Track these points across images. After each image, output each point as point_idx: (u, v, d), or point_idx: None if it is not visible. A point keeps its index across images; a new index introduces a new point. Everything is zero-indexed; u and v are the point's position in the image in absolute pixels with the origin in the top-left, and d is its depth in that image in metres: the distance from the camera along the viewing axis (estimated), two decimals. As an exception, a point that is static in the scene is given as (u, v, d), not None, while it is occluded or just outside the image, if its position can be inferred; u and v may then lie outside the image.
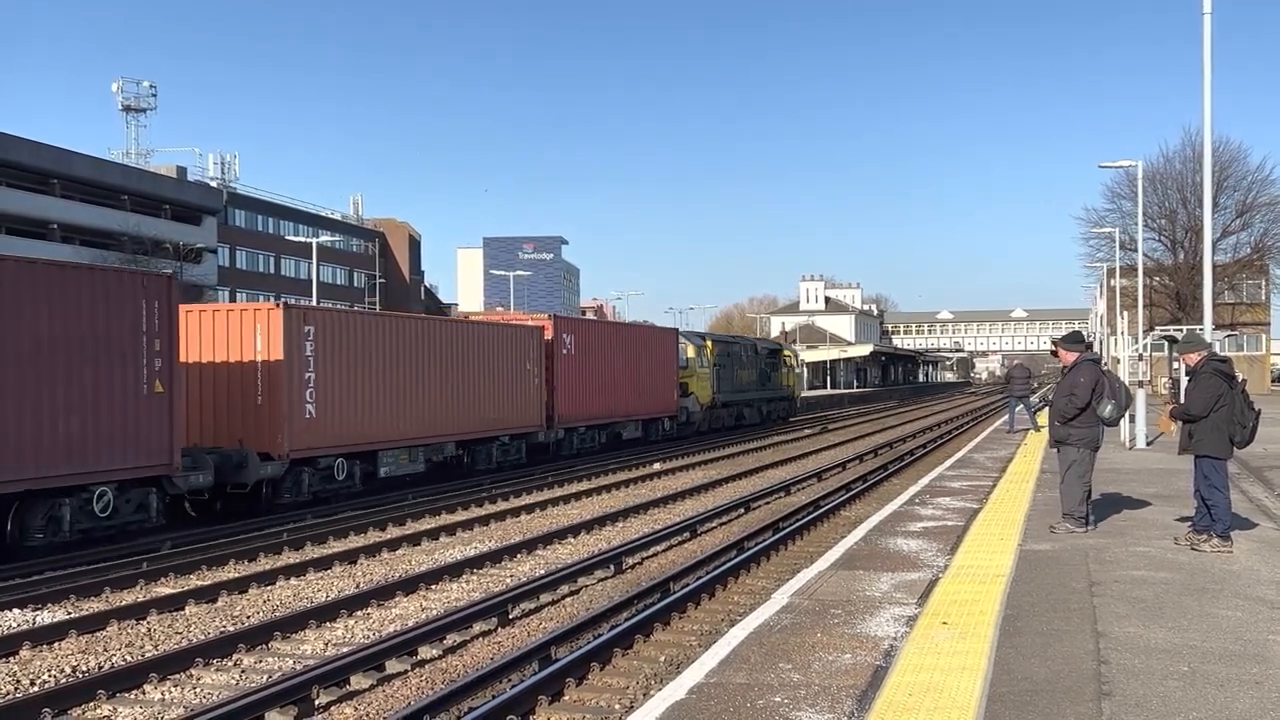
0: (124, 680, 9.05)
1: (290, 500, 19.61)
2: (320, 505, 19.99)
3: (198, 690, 9.07)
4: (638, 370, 33.98)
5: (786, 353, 52.91)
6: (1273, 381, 76.00)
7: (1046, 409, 12.61)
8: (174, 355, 16.40)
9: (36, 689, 9.00)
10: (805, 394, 66.87)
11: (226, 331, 19.16)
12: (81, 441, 14.89)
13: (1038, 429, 29.57)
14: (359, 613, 11.71)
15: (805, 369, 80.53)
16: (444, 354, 23.88)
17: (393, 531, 17.45)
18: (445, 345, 24.04)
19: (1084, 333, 13.92)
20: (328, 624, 11.23)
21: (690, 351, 39.36)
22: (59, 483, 14.69)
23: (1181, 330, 30.58)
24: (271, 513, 18.92)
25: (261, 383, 18.94)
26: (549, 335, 28.78)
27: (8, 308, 14.00)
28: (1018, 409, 32.49)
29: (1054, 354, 12.11)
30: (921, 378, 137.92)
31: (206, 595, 12.53)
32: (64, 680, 9.26)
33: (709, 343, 42.02)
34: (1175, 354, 11.87)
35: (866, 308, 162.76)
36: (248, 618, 11.65)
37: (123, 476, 15.65)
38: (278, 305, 19.37)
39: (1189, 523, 11.18)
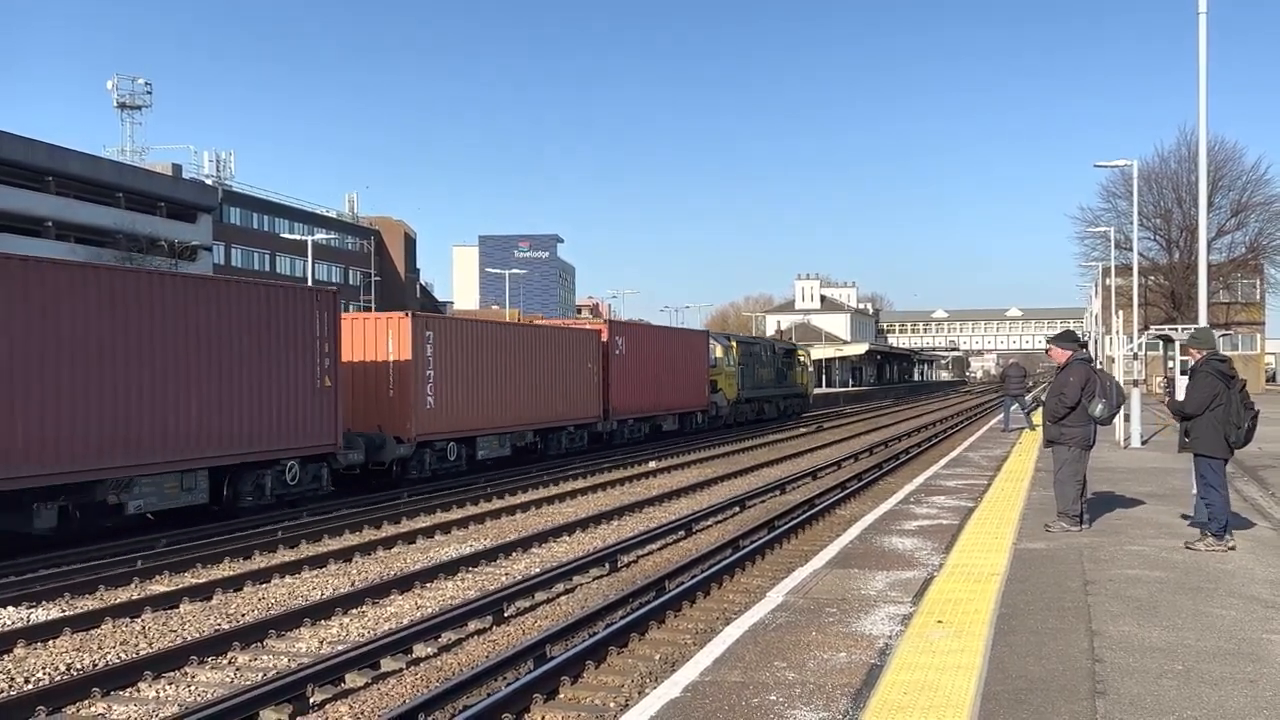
0: (118, 678, 9.04)
1: (416, 476, 23.12)
2: (437, 481, 23.50)
3: (192, 688, 9.06)
4: (675, 369, 37.54)
5: (800, 353, 56.83)
6: (1267, 381, 76.11)
7: (1039, 408, 12.61)
8: (337, 356, 19.89)
9: (31, 687, 8.99)
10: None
11: (364, 335, 22.63)
12: (278, 425, 18.46)
13: (1033, 428, 29.59)
14: (354, 611, 11.70)
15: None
16: (526, 355, 27.53)
17: (388, 530, 17.44)
18: (527, 348, 27.74)
19: (1078, 332, 13.93)
20: (323, 622, 11.22)
21: (718, 351, 42.66)
22: (262, 457, 18.32)
23: (1177, 330, 30.62)
24: (400, 486, 22.44)
25: (393, 378, 22.56)
26: (605, 338, 32.43)
27: (236, 319, 17.57)
28: (1013, 408, 32.51)
29: (1048, 353, 12.14)
30: (917, 376, 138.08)
31: (201, 593, 12.52)
32: (58, 678, 9.26)
33: (734, 343, 45.35)
34: (1186, 346, 11.89)
35: (862, 306, 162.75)
36: (242, 616, 11.63)
37: (304, 453, 19.28)
38: (407, 314, 23.22)
39: (1190, 520, 11.20)
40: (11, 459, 13.92)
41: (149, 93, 78.99)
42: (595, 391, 31.42)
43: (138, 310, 15.85)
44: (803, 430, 43.75)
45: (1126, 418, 23.53)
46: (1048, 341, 12.15)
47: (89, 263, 15.94)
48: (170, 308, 16.42)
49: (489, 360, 25.76)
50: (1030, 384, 42.84)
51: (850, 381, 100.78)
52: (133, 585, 13.24)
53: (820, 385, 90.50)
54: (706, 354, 41.12)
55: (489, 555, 14.67)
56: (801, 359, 56.08)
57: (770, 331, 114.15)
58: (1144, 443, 23.98)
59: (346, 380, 20.84)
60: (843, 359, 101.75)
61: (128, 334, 15.67)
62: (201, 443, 16.87)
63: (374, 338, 22.69)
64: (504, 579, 13.36)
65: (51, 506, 14.90)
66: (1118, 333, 40.66)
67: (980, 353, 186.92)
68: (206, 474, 17.26)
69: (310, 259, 54.11)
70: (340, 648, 9.98)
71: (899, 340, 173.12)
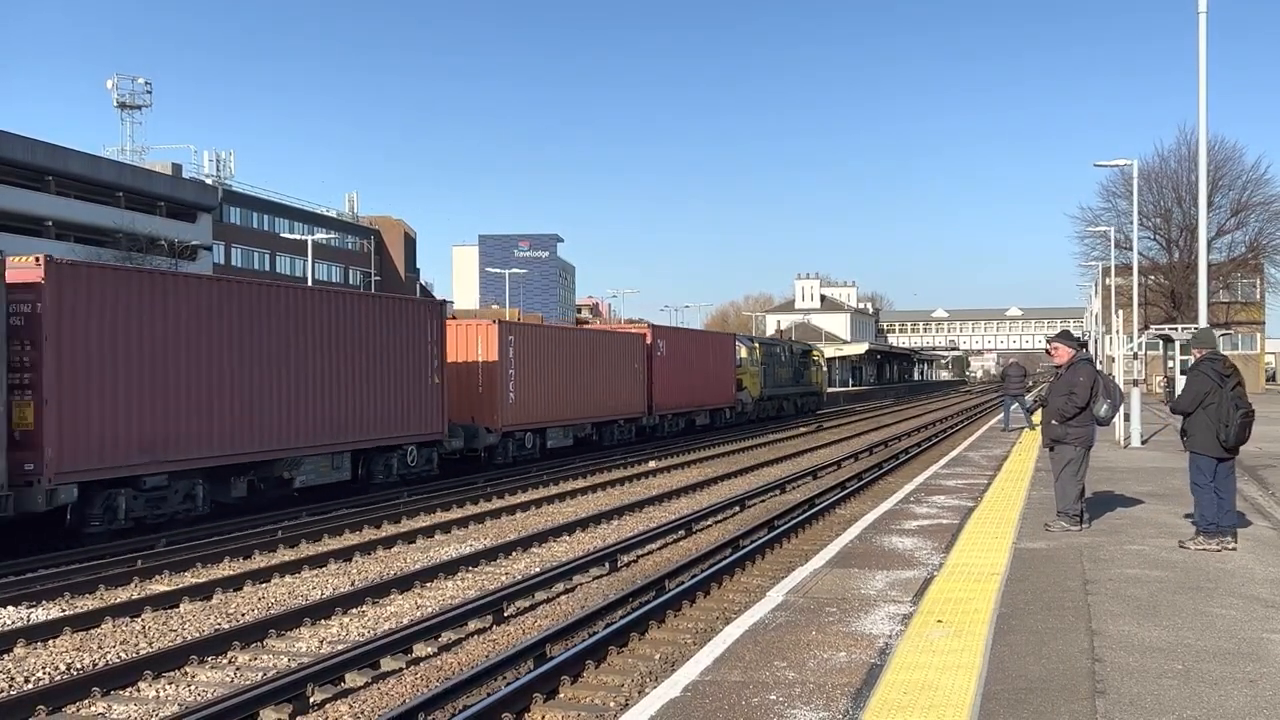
0: (118, 678, 9.04)
1: (501, 461, 26.88)
2: (517, 466, 27.13)
3: (192, 688, 9.06)
4: (707, 368, 41.22)
5: (815, 353, 60.75)
6: (1267, 380, 76.08)
7: (1040, 408, 12.52)
8: (444, 357, 23.53)
9: (31, 686, 8.99)
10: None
11: (455, 340, 25.55)
12: (402, 415, 21.99)
13: (1033, 428, 29.57)
14: (354, 610, 11.70)
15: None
16: (585, 357, 31.19)
17: (388, 529, 17.44)
18: (586, 350, 31.48)
19: (1075, 332, 13.96)
20: (323, 621, 11.22)
21: (743, 352, 46.30)
22: (389, 442, 21.84)
23: (1177, 329, 30.60)
24: (488, 470, 26.05)
25: (483, 377, 26.25)
26: (648, 341, 36.13)
27: (373, 327, 21.11)
28: (1013, 407, 32.50)
29: (1049, 353, 12.11)
30: (917, 376, 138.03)
31: (201, 593, 12.52)
32: (58, 678, 9.25)
33: (757, 345, 49.12)
34: (1189, 346, 11.98)
35: (862, 306, 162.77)
36: (242, 615, 11.63)
37: (419, 440, 22.85)
38: (494, 323, 27.16)
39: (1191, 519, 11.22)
40: (221, 442, 17.50)
41: (149, 92, 78.85)
42: (641, 389, 35.15)
43: (307, 320, 19.47)
44: (803, 430, 43.79)
45: (1126, 418, 23.52)
46: (1050, 341, 12.12)
47: (278, 283, 19.67)
48: (328, 318, 20.01)
49: (556, 361, 29.48)
50: (1030, 384, 42.95)
51: (850, 381, 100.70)
52: (133, 585, 13.24)
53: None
54: (733, 355, 44.47)
55: (489, 555, 14.67)
56: (816, 359, 59.68)
57: (770, 331, 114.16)
58: (1144, 442, 23.98)
59: (448, 378, 24.02)
60: (843, 358, 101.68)
61: (298, 339, 19.22)
62: (347, 430, 20.45)
63: (467, 341, 26.24)
64: (504, 579, 13.36)
65: (243, 480, 18.34)
66: (1118, 332, 40.63)
67: (980, 352, 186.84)
68: (349, 456, 20.75)
69: (310, 258, 54.12)
70: (340, 647, 9.98)
71: (899, 340, 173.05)
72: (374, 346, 21.09)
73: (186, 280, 17.88)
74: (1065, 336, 12.07)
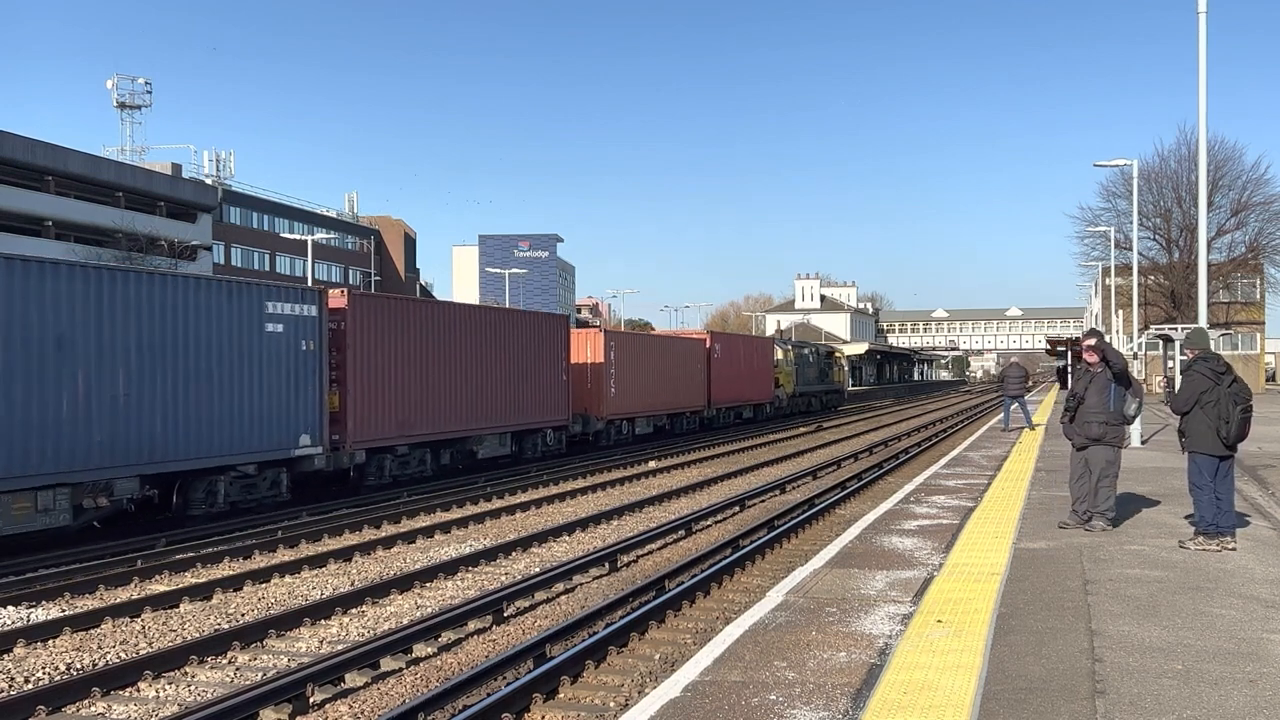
0: (118, 678, 9.05)
1: (604, 444, 32.93)
2: (616, 447, 33.03)
3: (192, 688, 9.06)
4: (752, 368, 47.01)
5: (838, 354, 67.62)
6: (1267, 380, 76.05)
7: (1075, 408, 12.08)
8: (568, 359, 29.67)
9: (31, 686, 8.99)
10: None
11: (567, 345, 29.91)
12: (543, 405, 28.13)
13: (1033, 428, 29.59)
14: (354, 610, 11.71)
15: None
16: (663, 358, 37.19)
17: (388, 529, 17.44)
18: (664, 353, 37.65)
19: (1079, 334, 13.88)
20: (322, 622, 11.23)
21: (779, 354, 52.14)
22: (535, 425, 28.04)
23: (1177, 329, 30.59)
24: (596, 450, 31.84)
25: (590, 375, 31.85)
26: (707, 345, 41.87)
27: (524, 337, 27.20)
28: (1012, 407, 32.49)
29: (1086, 353, 11.78)
30: (917, 376, 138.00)
31: (201, 593, 12.52)
32: (58, 678, 9.26)
33: (790, 348, 55.58)
34: (1183, 347, 11.88)
35: (862, 306, 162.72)
36: (242, 615, 11.64)
37: (551, 425, 28.96)
38: (600, 330, 33.69)
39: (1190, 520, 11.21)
40: (437, 423, 23.45)
41: (149, 92, 78.76)
42: (702, 386, 40.82)
43: (486, 332, 25.51)
44: (802, 430, 43.83)
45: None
46: (1096, 340, 11.81)
47: (469, 305, 25.49)
48: (498, 331, 26.02)
49: (643, 362, 35.03)
50: (1030, 385, 43.03)
51: (850, 381, 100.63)
52: (133, 585, 13.25)
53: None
54: (772, 356, 50.22)
55: (489, 555, 14.67)
56: (839, 360, 66.01)
57: (770, 331, 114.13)
58: (1144, 442, 23.96)
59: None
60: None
61: (482, 347, 25.25)
62: (510, 416, 26.57)
63: (578, 346, 31.46)
64: (504, 579, 13.36)
65: (448, 451, 24.57)
66: (1118, 332, 40.65)
67: (980, 352, 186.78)
68: (510, 436, 26.96)
69: (310, 258, 54.11)
70: (340, 647, 9.98)
71: (899, 340, 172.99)
72: (526, 352, 27.09)
73: (416, 303, 24.59)
74: (1100, 335, 12.01)
